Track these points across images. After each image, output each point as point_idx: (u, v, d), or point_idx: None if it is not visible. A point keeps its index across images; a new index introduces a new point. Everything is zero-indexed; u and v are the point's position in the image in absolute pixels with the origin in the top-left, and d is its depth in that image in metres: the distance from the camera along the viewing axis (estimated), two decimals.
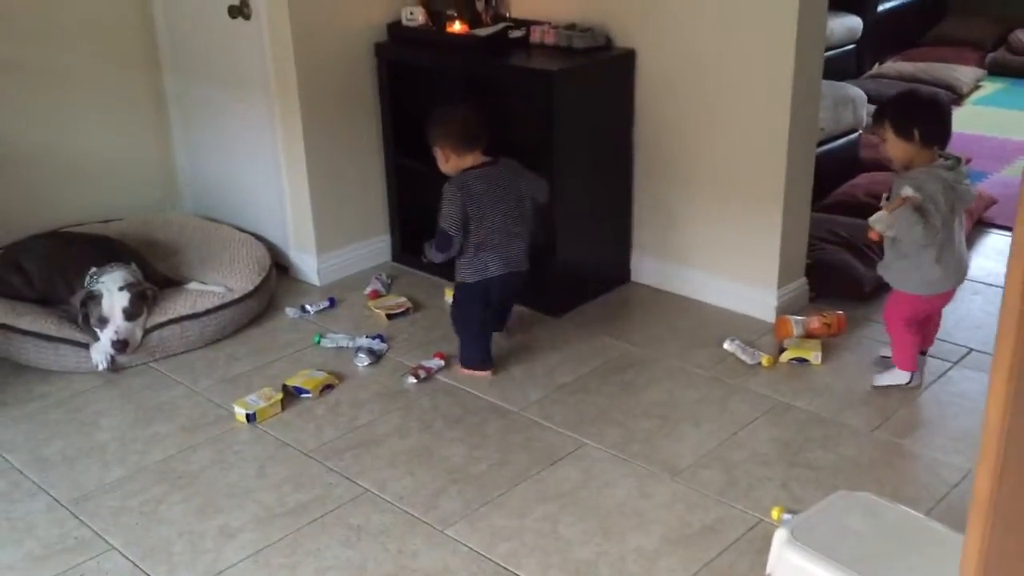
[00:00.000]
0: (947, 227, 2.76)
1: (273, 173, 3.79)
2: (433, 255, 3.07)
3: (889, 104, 2.92)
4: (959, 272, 2.87)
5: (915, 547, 1.95)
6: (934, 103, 2.92)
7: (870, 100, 4.81)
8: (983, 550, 0.91)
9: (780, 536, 1.95)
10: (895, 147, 2.81)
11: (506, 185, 2.99)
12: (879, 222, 2.74)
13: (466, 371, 3.13)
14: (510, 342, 3.32)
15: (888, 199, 2.79)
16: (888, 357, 3.03)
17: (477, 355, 3.12)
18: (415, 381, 3.09)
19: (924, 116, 2.80)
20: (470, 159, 2.99)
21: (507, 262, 3.02)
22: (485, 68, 3.54)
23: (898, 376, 2.95)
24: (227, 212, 4.06)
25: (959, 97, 6.15)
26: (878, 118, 2.88)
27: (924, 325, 3.00)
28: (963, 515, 0.99)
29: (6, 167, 3.73)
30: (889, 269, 2.90)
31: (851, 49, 6.13)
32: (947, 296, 2.93)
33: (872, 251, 3.45)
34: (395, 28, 3.72)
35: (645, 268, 3.71)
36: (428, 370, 3.13)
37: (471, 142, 2.98)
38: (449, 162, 3.01)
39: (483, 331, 3.13)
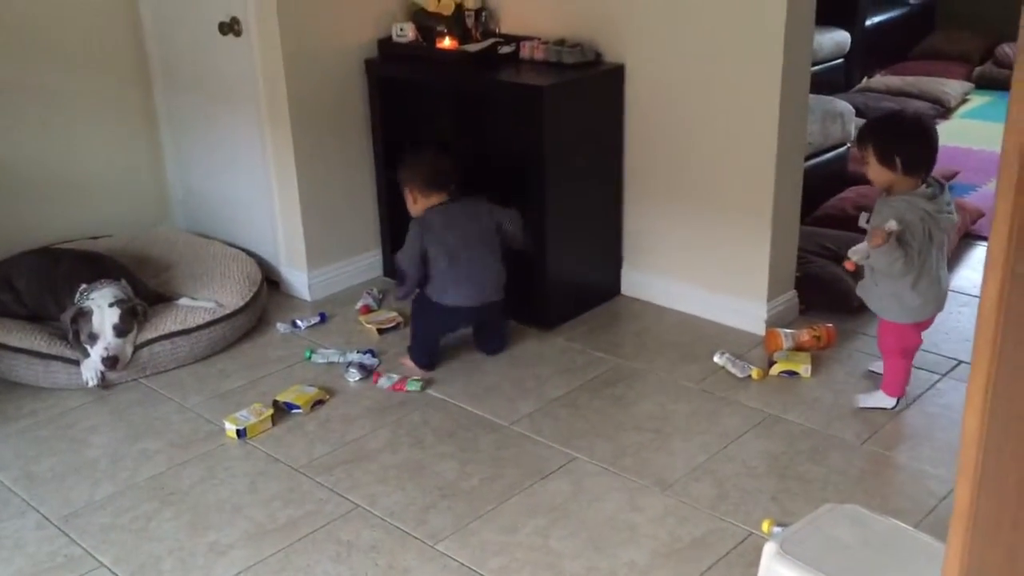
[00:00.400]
0: (924, 255, 2.74)
1: (264, 189, 3.79)
2: (397, 290, 3.30)
3: (872, 128, 2.87)
4: (938, 299, 2.85)
5: (903, 559, 1.95)
6: (919, 129, 2.83)
7: (858, 114, 4.84)
8: (964, 561, 0.92)
9: (769, 549, 1.95)
10: (877, 172, 2.78)
11: (466, 218, 3.11)
12: (856, 254, 2.76)
13: (404, 361, 3.26)
14: (500, 356, 3.32)
15: (868, 221, 2.79)
16: (877, 372, 3.03)
17: (419, 352, 3.23)
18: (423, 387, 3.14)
19: (907, 143, 2.74)
20: (435, 200, 3.13)
21: (470, 295, 3.14)
22: (475, 84, 3.56)
23: (884, 400, 2.94)
24: (218, 228, 4.06)
25: (947, 110, 6.19)
26: (861, 140, 2.83)
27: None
28: None
29: None
30: (868, 293, 2.90)
31: (839, 63, 6.17)
32: (928, 322, 2.92)
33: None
34: (385, 44, 3.74)
35: (635, 281, 3.72)
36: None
37: (437, 185, 3.12)
38: (416, 203, 3.17)
39: (430, 334, 3.23)
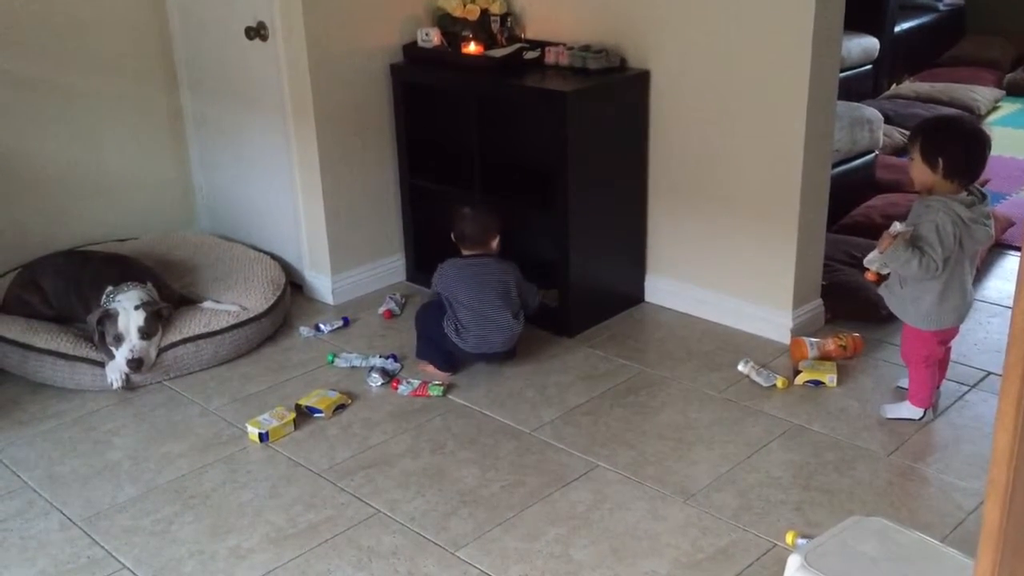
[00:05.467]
0: (955, 264, 2.70)
1: (288, 193, 3.81)
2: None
3: (924, 125, 2.84)
4: (958, 310, 2.80)
5: (929, 574, 1.92)
6: (970, 137, 2.77)
7: (887, 121, 4.79)
8: None
9: (793, 562, 1.93)
10: (918, 170, 2.75)
11: (487, 275, 3.21)
12: (873, 263, 2.74)
13: (424, 368, 3.27)
14: (522, 363, 3.31)
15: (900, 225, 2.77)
16: (905, 388, 2.99)
17: (433, 355, 3.26)
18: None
19: (954, 148, 2.69)
20: (472, 251, 3.28)
21: (480, 343, 3.18)
22: (500, 89, 3.55)
23: (910, 411, 2.90)
24: (243, 231, 4.08)
25: (977, 117, 6.12)
26: (912, 136, 2.80)
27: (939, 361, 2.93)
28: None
29: (23, 186, 3.77)
30: (891, 295, 2.87)
31: (868, 70, 6.12)
32: (951, 332, 2.88)
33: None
34: (410, 49, 3.74)
35: (659, 288, 3.70)
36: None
37: (475, 241, 3.28)
38: (461, 250, 3.32)
39: (439, 340, 3.23)
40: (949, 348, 2.98)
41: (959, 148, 2.71)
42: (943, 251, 2.66)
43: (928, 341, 2.83)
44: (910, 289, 2.78)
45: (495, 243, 3.30)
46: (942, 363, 2.96)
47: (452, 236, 3.32)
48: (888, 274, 2.82)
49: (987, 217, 2.73)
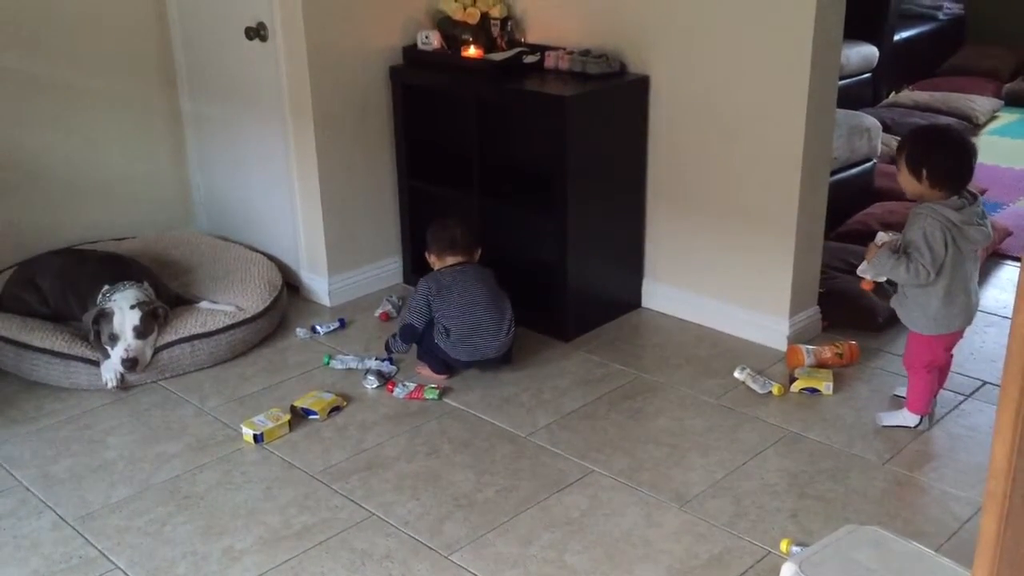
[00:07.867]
0: (954, 266, 2.70)
1: (286, 193, 3.80)
2: (397, 346, 3.33)
3: (911, 135, 2.86)
4: (965, 312, 2.80)
5: None
6: (955, 147, 2.76)
7: (885, 129, 4.79)
8: None
9: (787, 570, 1.93)
10: (904, 180, 2.77)
11: (475, 280, 3.20)
12: (865, 272, 2.78)
13: (421, 370, 3.28)
14: (519, 367, 3.31)
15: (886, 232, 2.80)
16: (902, 397, 2.99)
17: (429, 358, 3.26)
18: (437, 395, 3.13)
19: (939, 159, 2.69)
20: (450, 261, 3.26)
21: (472, 352, 3.19)
22: (499, 93, 3.54)
23: (907, 418, 2.90)
24: (240, 231, 4.08)
25: (975, 127, 6.13)
26: (900, 146, 2.82)
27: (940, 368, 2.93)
28: (974, 552, 0.98)
29: (21, 184, 3.76)
30: (900, 305, 2.87)
31: (867, 78, 6.12)
32: (956, 336, 2.88)
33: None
34: (410, 52, 3.74)
35: (656, 294, 3.70)
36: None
37: (465, 248, 3.27)
38: (435, 264, 3.30)
39: (433, 347, 3.23)
40: (951, 356, 2.98)
41: (944, 159, 2.71)
42: (932, 256, 2.67)
43: (934, 347, 2.83)
44: (915, 296, 2.79)
45: (478, 253, 3.31)
46: (942, 371, 2.96)
47: (431, 251, 3.29)
48: (884, 283, 2.83)
49: (981, 217, 2.74)
